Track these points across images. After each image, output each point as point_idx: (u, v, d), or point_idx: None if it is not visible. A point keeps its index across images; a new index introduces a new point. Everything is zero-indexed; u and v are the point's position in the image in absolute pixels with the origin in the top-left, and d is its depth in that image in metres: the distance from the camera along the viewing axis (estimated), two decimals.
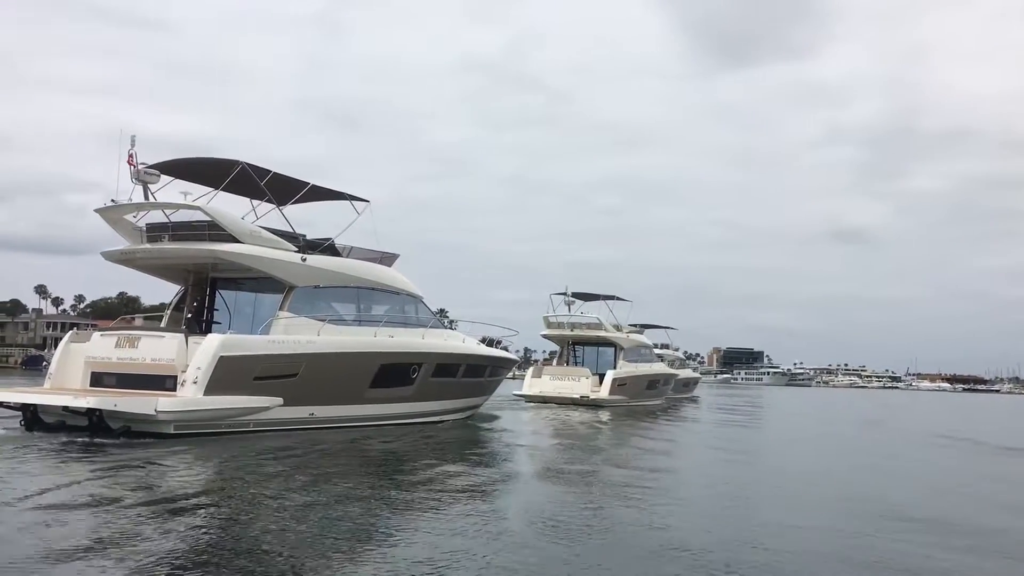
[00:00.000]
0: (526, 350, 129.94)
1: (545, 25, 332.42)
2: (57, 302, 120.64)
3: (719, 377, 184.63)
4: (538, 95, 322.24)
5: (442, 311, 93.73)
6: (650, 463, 14.38)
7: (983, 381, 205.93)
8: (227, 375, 14.56)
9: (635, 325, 41.88)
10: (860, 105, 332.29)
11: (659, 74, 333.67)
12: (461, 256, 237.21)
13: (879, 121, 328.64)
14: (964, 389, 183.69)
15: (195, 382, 14.30)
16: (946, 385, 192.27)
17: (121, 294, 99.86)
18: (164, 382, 14.80)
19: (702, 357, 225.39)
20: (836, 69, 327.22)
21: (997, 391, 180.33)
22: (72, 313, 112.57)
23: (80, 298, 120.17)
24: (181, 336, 15.17)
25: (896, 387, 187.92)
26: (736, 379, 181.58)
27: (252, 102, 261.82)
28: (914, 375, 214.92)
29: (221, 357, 14.51)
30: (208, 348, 14.55)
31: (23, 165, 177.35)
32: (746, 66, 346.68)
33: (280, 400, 15.52)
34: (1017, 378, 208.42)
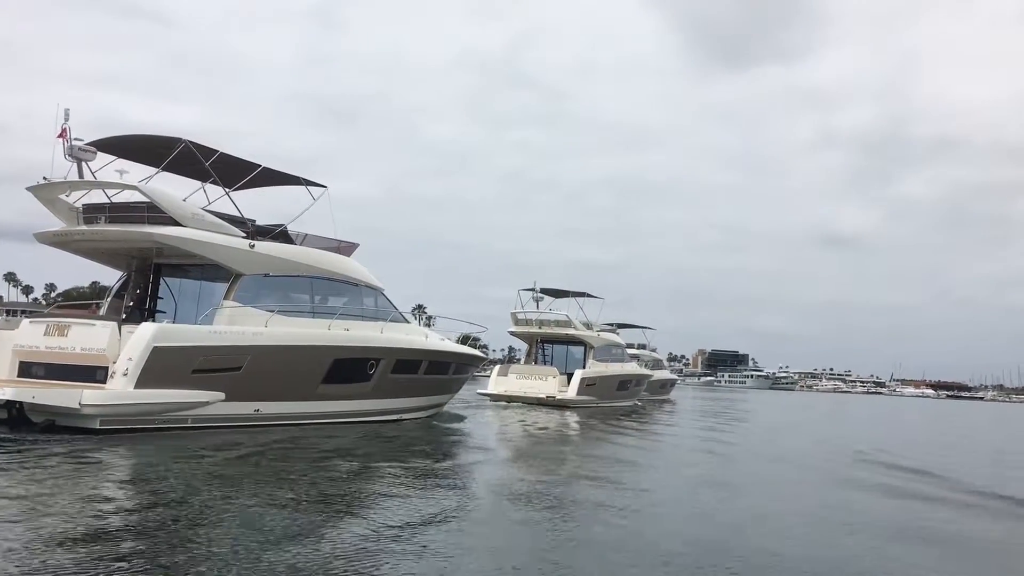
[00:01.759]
0: (510, 348, 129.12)
1: (544, 24, 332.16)
2: (28, 290, 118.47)
3: (702, 379, 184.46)
4: (538, 93, 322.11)
5: (420, 307, 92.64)
6: (600, 477, 13.49)
7: (967, 388, 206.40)
8: (161, 367, 13.59)
9: (611, 324, 40.86)
10: (853, 110, 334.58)
11: (656, 75, 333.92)
12: (459, 252, 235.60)
13: (872, 126, 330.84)
14: (948, 396, 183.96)
15: (125, 374, 13.32)
16: (930, 391, 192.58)
17: (94, 283, 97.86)
18: (95, 373, 13.83)
19: (687, 359, 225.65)
20: (829, 73, 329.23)
21: (981, 398, 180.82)
22: (43, 302, 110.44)
23: (51, 286, 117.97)
24: (114, 324, 14.18)
25: (880, 393, 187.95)
26: (719, 382, 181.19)
27: (250, 95, 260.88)
28: (898, 381, 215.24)
29: (155, 348, 13.53)
30: (141, 338, 13.57)
31: (14, 155, 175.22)
32: (741, 68, 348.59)
33: (222, 395, 14.56)
34: (1001, 386, 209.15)
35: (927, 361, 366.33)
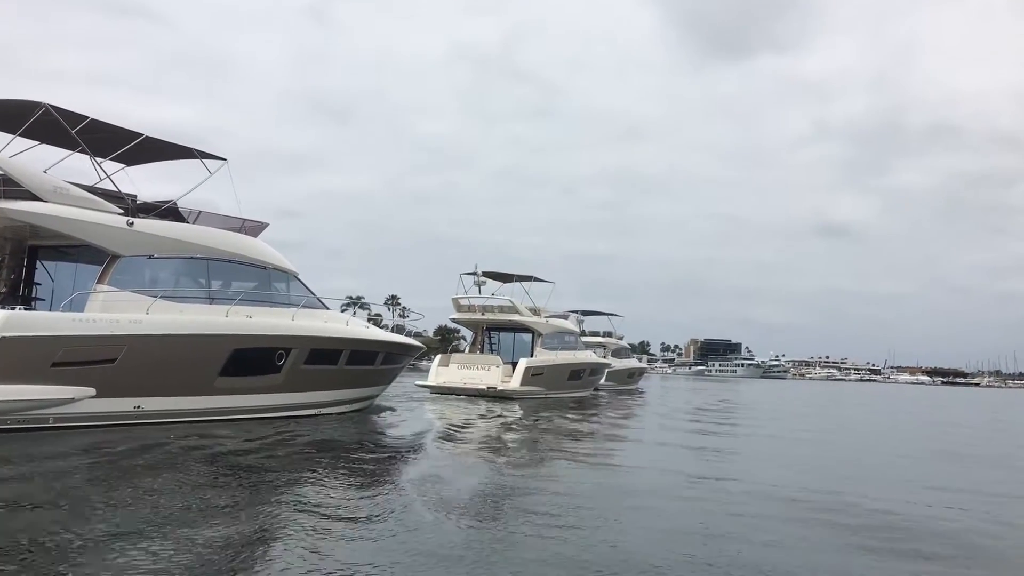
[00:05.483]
0: None
1: (538, 18, 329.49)
2: None
3: (693, 369, 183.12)
4: (532, 87, 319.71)
5: (394, 297, 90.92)
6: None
7: (964, 374, 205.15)
8: (12, 360, 12.07)
9: (575, 311, 39.11)
10: (847, 100, 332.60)
11: (651, 68, 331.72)
12: (456, 247, 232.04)
13: (866, 117, 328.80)
14: (943, 382, 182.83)
15: None
16: (924, 378, 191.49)
17: None
18: None
19: (680, 348, 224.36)
20: (824, 64, 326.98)
21: (977, 384, 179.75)
22: None
23: None
24: None
25: (874, 380, 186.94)
26: (710, 371, 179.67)
27: (244, 94, 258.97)
28: (893, 368, 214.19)
29: (2, 338, 11.95)
30: None
31: None
32: (735, 60, 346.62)
33: (92, 391, 13.00)
34: (998, 371, 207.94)
35: (922, 348, 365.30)
